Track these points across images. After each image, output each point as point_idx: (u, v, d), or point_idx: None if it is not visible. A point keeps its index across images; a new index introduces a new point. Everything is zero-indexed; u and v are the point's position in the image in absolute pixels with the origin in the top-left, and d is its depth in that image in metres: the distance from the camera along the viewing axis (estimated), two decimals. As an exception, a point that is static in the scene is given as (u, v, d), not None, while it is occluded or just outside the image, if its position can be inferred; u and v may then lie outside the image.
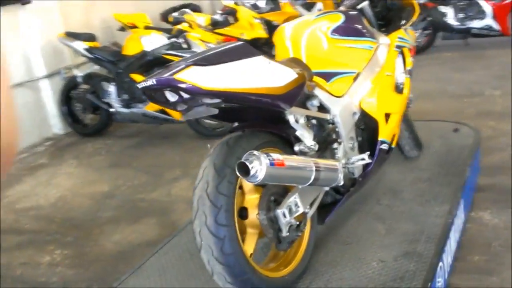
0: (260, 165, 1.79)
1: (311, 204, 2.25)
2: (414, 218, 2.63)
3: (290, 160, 1.95)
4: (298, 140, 2.18)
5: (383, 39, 2.79)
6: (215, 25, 5.47)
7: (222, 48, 2.00)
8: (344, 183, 2.37)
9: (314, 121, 2.39)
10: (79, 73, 5.57)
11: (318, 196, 2.28)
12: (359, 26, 2.64)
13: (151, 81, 1.77)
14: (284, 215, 2.08)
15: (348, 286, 2.19)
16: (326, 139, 2.39)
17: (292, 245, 2.18)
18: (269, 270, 2.14)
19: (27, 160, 5.40)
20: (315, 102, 2.38)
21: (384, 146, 2.62)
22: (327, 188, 2.31)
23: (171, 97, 1.86)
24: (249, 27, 5.95)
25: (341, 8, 2.92)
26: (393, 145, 2.79)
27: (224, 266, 1.93)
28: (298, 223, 2.15)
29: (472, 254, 2.84)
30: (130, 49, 5.28)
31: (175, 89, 1.79)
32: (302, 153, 2.14)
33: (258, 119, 2.25)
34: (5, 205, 4.40)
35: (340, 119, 2.42)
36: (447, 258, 2.45)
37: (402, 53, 2.89)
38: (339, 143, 2.41)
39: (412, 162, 3.26)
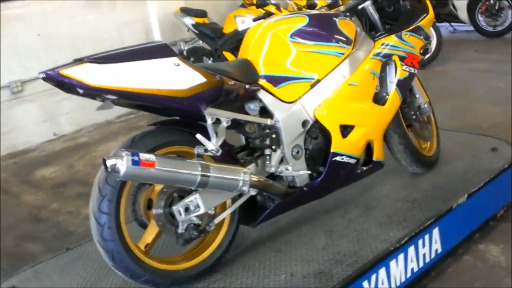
0: (121, 163, 1.91)
1: (221, 207, 2.29)
2: (361, 239, 2.49)
3: (168, 162, 2.02)
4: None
5: (367, 46, 2.61)
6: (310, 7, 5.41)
7: (139, 47, 2.13)
8: (279, 191, 2.36)
9: (253, 125, 2.39)
10: (185, 46, 5.99)
11: (232, 200, 2.30)
12: (327, 31, 2.51)
13: (42, 74, 1.96)
14: (180, 213, 2.16)
15: (239, 293, 2.21)
16: (260, 144, 2.38)
17: (190, 243, 2.25)
18: (163, 262, 2.25)
19: (132, 121, 6.02)
20: (253, 106, 2.38)
21: (340, 159, 2.50)
22: (253, 193, 2.30)
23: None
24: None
25: (341, 8, 2.79)
26: (374, 158, 2.64)
27: (104, 250, 2.11)
28: (199, 222, 2.21)
29: (443, 288, 2.60)
30: (228, 28, 5.53)
31: (62, 84, 1.95)
32: (199, 156, 2.17)
33: (186, 117, 2.32)
34: (90, 158, 5.04)
35: (282, 125, 2.39)
36: (372, 286, 2.29)
37: (393, 61, 2.68)
38: (274, 150, 2.38)
39: (415, 178, 3.02)
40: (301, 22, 2.48)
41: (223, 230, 2.37)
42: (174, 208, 2.17)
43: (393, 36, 2.68)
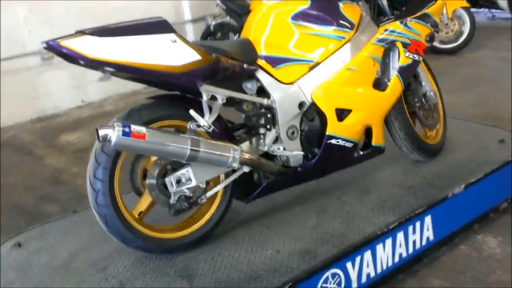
0: (112, 133, 2.01)
1: (214, 181, 2.38)
2: (351, 221, 2.54)
3: (159, 135, 2.11)
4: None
5: (370, 31, 2.62)
6: None
7: (140, 22, 2.20)
8: (271, 170, 2.42)
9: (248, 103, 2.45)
10: (212, 21, 6.04)
11: (224, 175, 2.38)
12: (329, 14, 2.52)
13: (44, 43, 2.05)
14: (172, 184, 2.26)
15: (226, 264, 2.30)
16: (255, 123, 2.44)
17: (181, 214, 2.34)
18: (155, 230, 2.35)
19: (158, 92, 6.13)
20: (250, 85, 2.43)
21: (336, 142, 2.54)
22: (246, 170, 2.37)
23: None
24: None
25: (349, -8, 2.79)
26: (373, 143, 2.68)
27: (98, 215, 2.23)
28: (190, 195, 2.30)
29: (433, 277, 2.63)
30: (253, 5, 5.53)
31: (62, 54, 2.05)
32: (191, 131, 2.24)
33: (185, 92, 2.40)
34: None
35: (278, 106, 2.44)
36: (356, 268, 2.35)
37: (396, 48, 2.68)
38: (268, 129, 2.44)
39: (416, 166, 3.03)
40: (303, 4, 2.50)
41: (215, 204, 2.45)
42: (167, 179, 2.26)
43: (397, 22, 2.68)
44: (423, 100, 2.99)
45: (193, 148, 2.16)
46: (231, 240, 2.48)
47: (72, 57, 2.00)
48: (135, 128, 2.06)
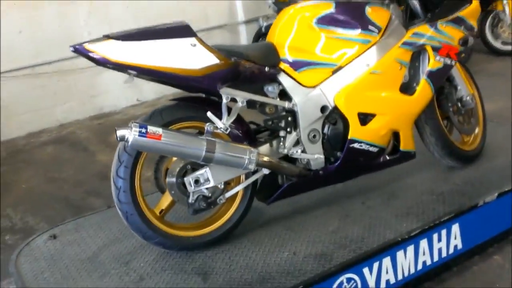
0: (129, 133, 2.10)
1: (235, 181, 2.43)
2: (372, 227, 2.51)
3: (175, 136, 2.17)
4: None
5: (398, 34, 2.57)
6: None
7: (162, 27, 2.29)
8: (292, 172, 2.44)
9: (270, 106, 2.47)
10: (264, 22, 6.09)
11: (244, 176, 2.42)
12: (353, 18, 2.49)
13: (72, 47, 2.17)
14: (190, 184, 2.32)
15: (242, 264, 2.34)
16: (275, 126, 2.46)
17: (200, 213, 2.39)
18: (175, 228, 2.43)
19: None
20: (271, 88, 2.45)
21: (359, 146, 2.52)
22: (266, 171, 2.42)
23: None
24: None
25: (381, -9, 2.75)
26: (401, 148, 2.64)
27: (120, 211, 2.33)
28: (209, 195, 2.36)
29: (460, 286, 2.56)
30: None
31: (88, 57, 2.16)
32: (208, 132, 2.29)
33: (207, 94, 2.46)
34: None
35: (300, 109, 2.45)
36: (374, 274, 2.32)
37: (426, 51, 2.62)
38: (289, 132, 2.45)
39: (449, 172, 2.94)
40: (328, 8, 2.49)
41: (235, 205, 2.49)
42: (185, 179, 2.32)
43: (427, 25, 2.61)
44: (459, 105, 2.90)
45: (208, 149, 2.20)
46: (250, 240, 2.51)
47: (97, 60, 2.11)
48: (151, 129, 2.13)
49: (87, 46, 2.11)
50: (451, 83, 2.88)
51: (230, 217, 2.49)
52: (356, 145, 2.51)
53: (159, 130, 2.15)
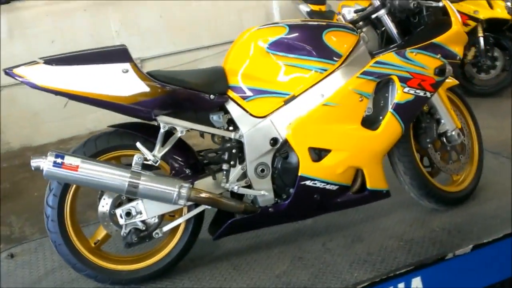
0: (43, 163, 2.02)
1: (176, 214, 2.31)
2: (321, 274, 2.29)
3: (96, 167, 2.06)
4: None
5: (362, 63, 2.32)
6: None
7: (99, 50, 2.21)
8: (234, 209, 2.28)
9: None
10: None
11: (186, 209, 2.28)
12: (307, 44, 2.27)
13: (4, 71, 2.12)
14: (121, 216, 2.21)
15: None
16: (219, 158, 2.30)
17: (133, 247, 2.27)
18: (109, 260, 2.32)
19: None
20: (216, 117, 2.29)
21: (312, 183, 2.30)
22: (206, 208, 2.27)
23: None
24: (486, 5, 5.09)
25: (355, 16, 2.52)
26: (368, 187, 2.40)
27: (51, 240, 2.25)
28: (143, 228, 2.24)
29: None
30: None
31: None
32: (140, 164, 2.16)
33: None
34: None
35: (247, 141, 2.27)
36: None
37: (393, 82, 2.35)
38: (232, 166, 2.28)
39: (432, 215, 2.65)
40: (281, 32, 2.29)
41: (175, 239, 2.35)
42: (117, 211, 2.21)
43: (392, 53, 2.33)
44: (444, 140, 2.60)
45: (131, 183, 2.08)
46: (191, 278, 2.37)
47: (27, 84, 2.05)
48: (68, 159, 2.04)
49: (16, 70, 2.05)
50: (432, 116, 2.58)
51: (169, 252, 2.35)
52: (308, 182, 2.29)
53: (77, 161, 2.05)
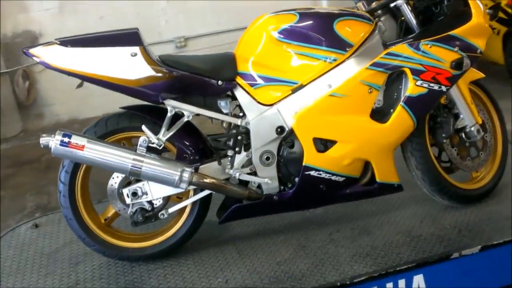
0: (52, 142, 2.11)
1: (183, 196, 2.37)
2: (321, 264, 2.28)
3: (101, 147, 2.13)
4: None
5: (373, 54, 2.27)
6: None
7: (111, 33, 2.26)
8: (238, 194, 2.30)
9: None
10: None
11: (192, 192, 2.34)
12: (318, 32, 2.22)
13: (22, 50, 2.21)
14: (128, 196, 2.28)
15: (171, 284, 2.26)
16: (224, 144, 2.33)
17: (139, 225, 2.34)
18: (117, 237, 2.40)
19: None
20: (224, 103, 2.31)
21: (317, 174, 2.29)
22: (205, 192, 2.31)
23: None
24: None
25: (374, 5, 2.45)
26: (378, 179, 2.37)
27: (62, 214, 2.36)
28: (149, 208, 2.31)
29: None
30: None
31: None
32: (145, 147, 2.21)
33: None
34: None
35: (253, 128, 2.28)
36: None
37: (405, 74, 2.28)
38: (237, 152, 2.30)
39: (445, 211, 2.57)
40: (292, 19, 2.26)
41: (181, 221, 2.40)
42: (124, 190, 2.28)
43: (405, 45, 2.26)
44: (463, 136, 2.51)
45: (134, 164, 2.14)
46: (195, 259, 2.43)
47: (42, 64, 2.13)
48: (75, 138, 2.11)
49: (33, 50, 2.15)
50: (450, 110, 2.49)
51: (175, 233, 2.41)
52: (312, 173, 2.28)
53: (83, 140, 2.12)
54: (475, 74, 2.57)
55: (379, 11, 2.42)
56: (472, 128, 2.48)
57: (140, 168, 2.14)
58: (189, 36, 6.05)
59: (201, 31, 6.08)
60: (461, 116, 2.48)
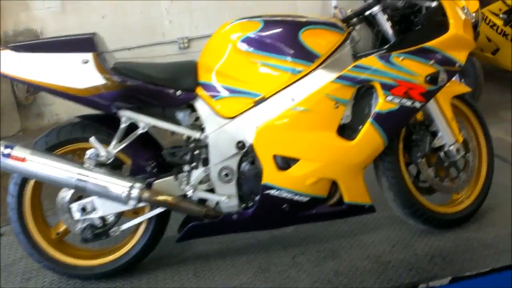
0: None
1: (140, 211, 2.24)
2: None
3: (45, 160, 2.02)
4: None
5: (342, 66, 2.10)
6: None
7: (67, 38, 2.16)
8: (194, 212, 2.17)
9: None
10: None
11: (148, 208, 2.21)
12: (283, 42, 2.06)
13: None
14: (77, 211, 2.16)
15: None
16: (179, 159, 2.18)
17: (89, 242, 2.22)
18: (68, 253, 2.29)
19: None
20: (182, 115, 2.18)
21: (277, 193, 2.14)
22: (158, 210, 2.19)
23: None
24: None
25: (349, 12, 2.29)
26: (346, 200, 2.21)
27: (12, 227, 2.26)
28: (100, 225, 2.19)
29: None
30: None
31: None
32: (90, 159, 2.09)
33: None
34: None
35: (211, 142, 2.14)
36: None
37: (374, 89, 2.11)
38: (194, 168, 2.16)
39: (422, 236, 2.39)
40: (255, 27, 2.11)
41: (135, 238, 2.28)
42: (73, 205, 2.16)
43: (374, 57, 2.08)
44: (442, 155, 2.33)
45: (79, 179, 2.02)
46: (149, 279, 2.31)
47: None
48: (17, 150, 2.01)
49: None
50: (427, 127, 2.31)
51: (128, 251, 2.29)
52: (273, 192, 2.13)
53: (26, 152, 2.01)
54: (459, 88, 2.39)
55: (355, 19, 2.25)
56: (451, 147, 2.30)
57: (85, 183, 2.02)
58: (193, 37, 5.92)
59: (205, 32, 5.94)
60: (439, 134, 2.29)
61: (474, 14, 3.92)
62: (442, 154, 2.33)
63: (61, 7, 5.70)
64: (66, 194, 2.18)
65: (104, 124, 2.20)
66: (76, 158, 2.26)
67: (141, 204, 2.11)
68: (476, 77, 4.02)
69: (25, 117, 5.81)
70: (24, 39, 5.58)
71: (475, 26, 3.88)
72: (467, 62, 3.97)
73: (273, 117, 2.08)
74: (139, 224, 2.27)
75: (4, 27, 5.58)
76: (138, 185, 2.06)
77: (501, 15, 4.79)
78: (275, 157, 2.11)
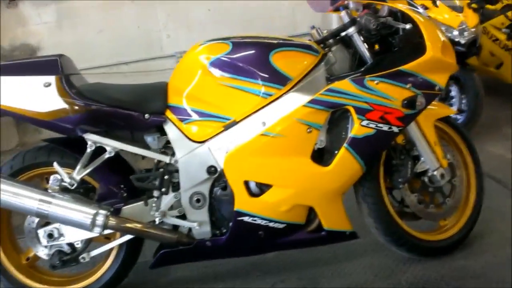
0: None
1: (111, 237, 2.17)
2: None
3: (6, 187, 1.95)
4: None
5: (316, 89, 2.01)
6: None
7: (34, 60, 2.12)
8: (163, 240, 2.08)
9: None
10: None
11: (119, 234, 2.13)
12: (252, 65, 1.97)
13: None
14: (44, 237, 2.09)
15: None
16: (147, 184, 2.10)
17: (57, 269, 2.14)
18: (38, 279, 2.21)
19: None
20: (151, 139, 2.10)
21: (251, 220, 2.05)
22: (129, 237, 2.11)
23: None
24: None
25: (325, 33, 2.20)
26: (325, 227, 2.11)
27: None
28: (68, 251, 2.11)
29: None
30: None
31: None
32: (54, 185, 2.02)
33: None
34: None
35: (182, 167, 2.06)
36: None
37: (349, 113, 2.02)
38: (164, 193, 2.08)
39: (406, 264, 2.29)
40: (223, 50, 2.03)
41: (106, 264, 2.20)
42: (39, 231, 2.09)
43: (348, 80, 1.99)
44: (426, 180, 2.22)
45: (41, 206, 1.94)
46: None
47: None
48: (-21, 176, 1.94)
49: None
50: (408, 152, 2.21)
51: (99, 277, 2.21)
52: (246, 219, 2.04)
53: (-11, 178, 1.94)
54: (443, 110, 2.29)
55: (331, 40, 2.17)
56: (435, 172, 2.19)
57: (47, 211, 1.95)
58: (190, 51, 5.88)
59: (202, 46, 5.91)
60: (422, 158, 2.19)
61: (473, 29, 3.84)
62: (426, 179, 2.22)
63: (57, 23, 5.69)
64: (33, 219, 2.12)
65: (71, 148, 2.13)
66: (44, 182, 2.18)
67: (107, 231, 2.03)
68: (476, 93, 3.91)
69: (23, 131, 5.79)
70: (20, 54, 5.59)
71: (474, 41, 3.81)
72: (468, 78, 3.89)
73: (244, 142, 2.00)
74: (110, 250, 2.19)
75: (1, 42, 5.58)
76: (103, 212, 1.98)
77: (503, 29, 4.68)
78: (246, 182, 2.02)
